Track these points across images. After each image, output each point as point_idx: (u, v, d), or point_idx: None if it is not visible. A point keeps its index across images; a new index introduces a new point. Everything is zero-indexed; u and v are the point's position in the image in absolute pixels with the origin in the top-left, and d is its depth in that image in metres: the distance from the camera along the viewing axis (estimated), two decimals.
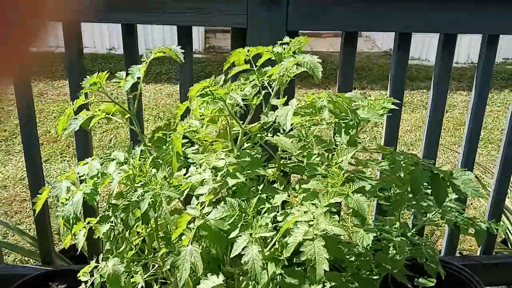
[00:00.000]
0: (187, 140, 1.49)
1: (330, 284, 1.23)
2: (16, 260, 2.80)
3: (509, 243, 2.34)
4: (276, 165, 1.35)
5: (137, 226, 1.37)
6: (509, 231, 2.38)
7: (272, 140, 1.29)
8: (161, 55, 1.29)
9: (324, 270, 0.91)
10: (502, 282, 2.02)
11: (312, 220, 0.91)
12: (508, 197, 2.71)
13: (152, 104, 4.77)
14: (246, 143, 1.33)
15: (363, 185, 0.96)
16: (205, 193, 1.04)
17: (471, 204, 3.28)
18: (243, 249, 0.94)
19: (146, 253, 1.28)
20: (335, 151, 1.07)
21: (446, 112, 4.50)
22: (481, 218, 1.91)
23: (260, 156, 1.22)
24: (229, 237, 0.97)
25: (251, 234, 0.95)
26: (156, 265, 1.39)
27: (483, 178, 2.87)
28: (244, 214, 0.99)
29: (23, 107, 1.57)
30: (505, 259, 1.91)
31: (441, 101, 1.69)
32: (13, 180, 3.67)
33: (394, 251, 1.02)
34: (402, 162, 1.13)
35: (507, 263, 1.87)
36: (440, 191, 1.08)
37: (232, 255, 0.96)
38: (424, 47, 5.73)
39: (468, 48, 5.46)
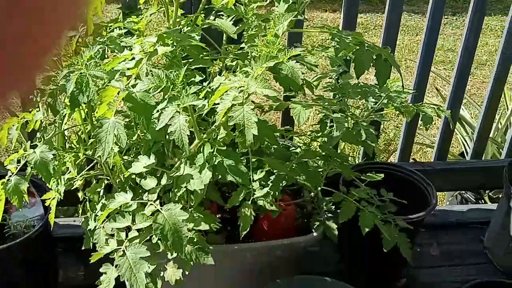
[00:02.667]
0: (126, 30, 1.41)
1: (276, 172, 1.19)
2: None
3: (465, 155, 2.36)
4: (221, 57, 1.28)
5: (73, 118, 1.31)
6: (466, 143, 2.39)
7: (213, 23, 1.21)
8: None
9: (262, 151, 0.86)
10: (453, 188, 2.04)
11: (242, 86, 0.85)
12: (467, 110, 2.72)
13: None
14: (187, 28, 1.24)
15: (298, 53, 0.90)
16: (131, 67, 0.96)
17: (434, 124, 3.29)
18: (170, 120, 0.88)
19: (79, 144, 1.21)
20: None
21: (416, 35, 4.44)
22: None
23: (199, 37, 1.14)
24: (156, 108, 0.90)
25: (178, 105, 0.89)
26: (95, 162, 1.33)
27: None
28: (172, 86, 0.92)
29: None
30: (457, 165, 1.92)
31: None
32: None
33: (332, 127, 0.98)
34: (348, 42, 1.07)
35: (459, 169, 1.88)
36: (382, 70, 1.03)
37: (158, 127, 0.90)
38: None
39: None
